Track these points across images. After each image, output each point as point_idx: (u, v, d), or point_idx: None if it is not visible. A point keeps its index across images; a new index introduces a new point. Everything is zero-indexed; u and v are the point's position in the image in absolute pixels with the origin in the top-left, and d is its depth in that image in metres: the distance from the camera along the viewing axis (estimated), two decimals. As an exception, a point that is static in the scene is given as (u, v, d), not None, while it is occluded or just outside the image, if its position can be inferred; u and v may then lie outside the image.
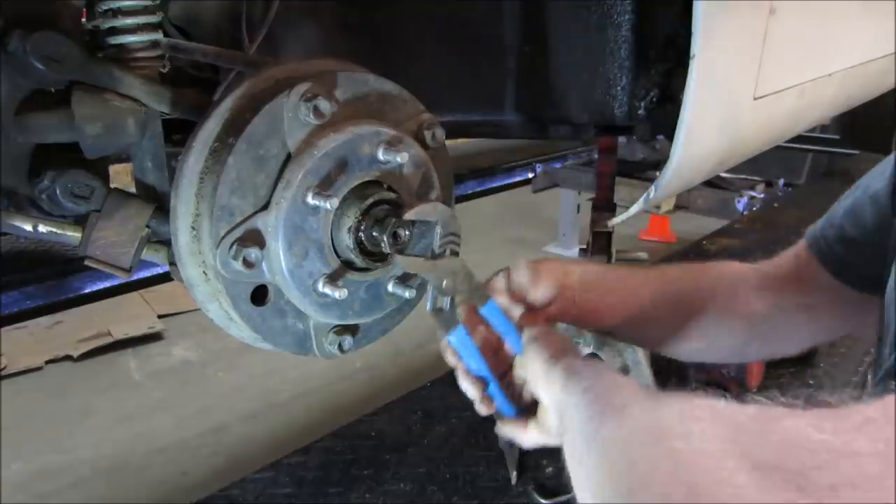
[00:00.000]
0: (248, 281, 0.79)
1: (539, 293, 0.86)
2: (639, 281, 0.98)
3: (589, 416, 0.60)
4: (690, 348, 1.03)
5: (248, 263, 0.76)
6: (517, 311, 0.84)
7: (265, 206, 0.77)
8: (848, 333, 1.05)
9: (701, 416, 0.49)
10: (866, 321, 1.05)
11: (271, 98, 0.76)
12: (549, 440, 0.79)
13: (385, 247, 0.81)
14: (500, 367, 0.84)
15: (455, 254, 0.84)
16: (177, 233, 0.79)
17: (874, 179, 0.97)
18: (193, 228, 0.78)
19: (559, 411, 0.68)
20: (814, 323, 1.05)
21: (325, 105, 0.77)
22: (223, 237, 0.76)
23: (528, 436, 0.80)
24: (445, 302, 0.83)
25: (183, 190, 0.78)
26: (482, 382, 0.82)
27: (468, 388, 0.83)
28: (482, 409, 0.83)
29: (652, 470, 0.47)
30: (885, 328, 0.85)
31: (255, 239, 0.77)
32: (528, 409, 0.81)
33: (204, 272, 0.80)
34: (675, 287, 1.00)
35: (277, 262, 0.78)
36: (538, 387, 0.74)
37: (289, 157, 0.78)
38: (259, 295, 0.81)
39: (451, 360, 0.84)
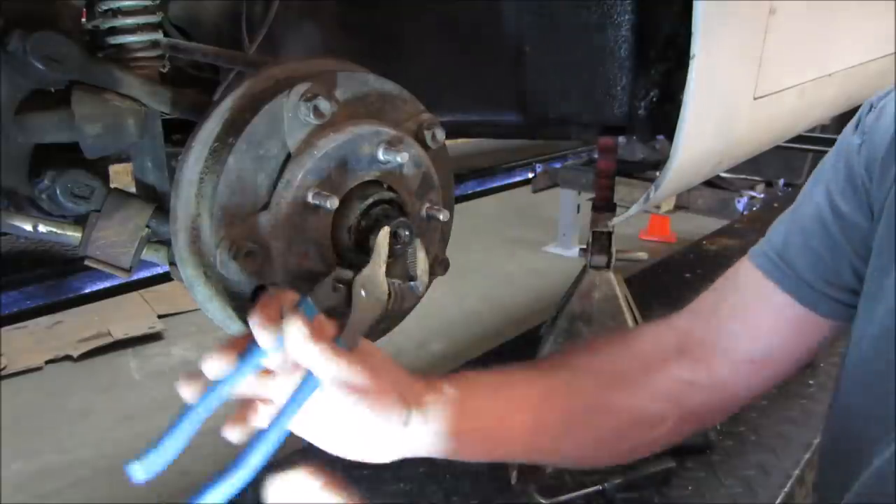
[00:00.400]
0: (248, 281, 0.79)
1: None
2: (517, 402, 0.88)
3: None
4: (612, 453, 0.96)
5: (248, 263, 0.76)
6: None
7: (265, 206, 0.78)
8: (806, 363, 0.97)
9: None
10: (823, 349, 0.95)
11: (271, 98, 0.76)
12: None
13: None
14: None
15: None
16: (177, 233, 0.79)
17: (832, 189, 0.89)
18: (193, 228, 0.78)
19: None
20: (765, 372, 0.95)
21: (325, 105, 0.77)
22: (223, 237, 0.76)
23: None
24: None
25: (183, 190, 0.78)
26: None
27: None
28: None
29: None
30: None
31: (255, 239, 0.77)
32: None
33: (204, 272, 0.80)
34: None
35: (277, 263, 0.78)
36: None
37: (289, 157, 0.78)
38: (259, 295, 0.81)
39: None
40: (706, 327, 0.96)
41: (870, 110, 0.89)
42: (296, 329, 0.66)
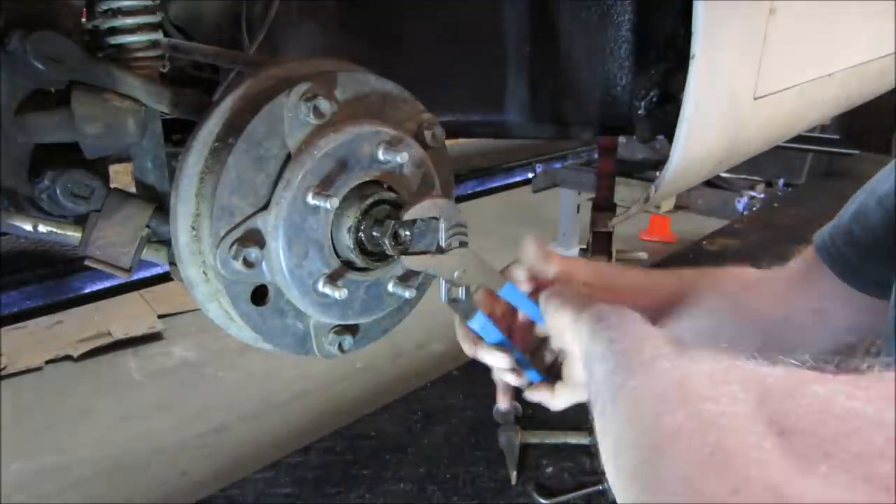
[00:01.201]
0: (248, 281, 0.79)
1: (551, 271, 0.89)
2: (654, 282, 0.99)
3: (615, 368, 0.59)
4: None
5: (248, 263, 0.76)
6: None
7: (265, 206, 0.77)
8: (861, 337, 1.04)
9: (730, 377, 0.49)
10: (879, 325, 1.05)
11: (271, 98, 0.76)
12: (578, 396, 0.81)
13: (388, 248, 0.81)
14: (523, 347, 0.88)
15: (464, 244, 0.84)
16: (177, 233, 0.79)
17: (881, 182, 0.97)
18: (193, 228, 0.78)
19: (586, 361, 0.68)
20: (826, 328, 1.04)
21: (325, 105, 0.77)
22: (223, 237, 0.76)
23: (557, 397, 0.84)
24: (460, 292, 0.85)
25: (183, 190, 0.78)
26: (509, 352, 0.85)
27: (498, 358, 0.85)
28: (512, 379, 0.86)
29: (678, 428, 0.46)
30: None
31: (255, 239, 0.77)
32: (554, 375, 0.84)
33: (204, 272, 0.80)
34: (692, 291, 1.00)
35: (277, 262, 0.78)
36: (565, 340, 0.75)
37: (289, 157, 0.78)
38: (259, 295, 0.81)
39: (468, 348, 0.86)
40: (775, 282, 1.06)
41: None
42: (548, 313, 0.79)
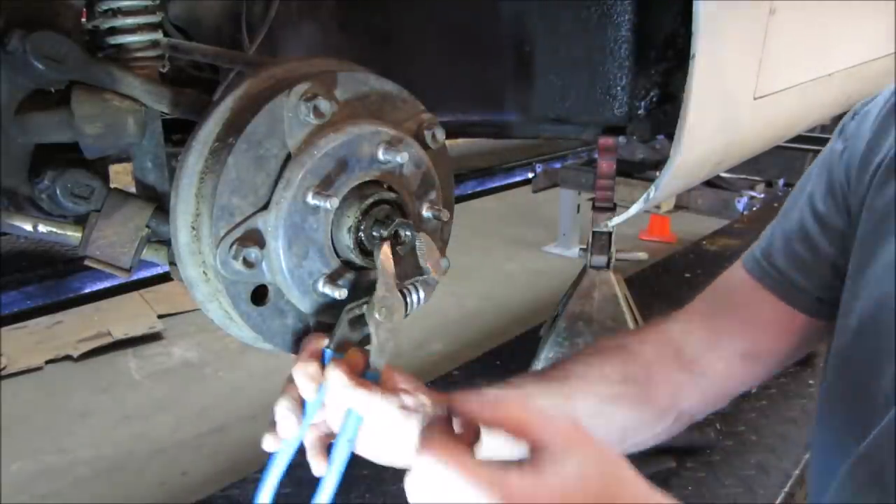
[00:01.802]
0: (248, 281, 0.79)
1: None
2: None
3: None
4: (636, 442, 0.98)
5: (247, 263, 0.76)
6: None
7: (265, 206, 0.78)
8: (796, 360, 1.02)
9: None
10: (813, 347, 1.01)
11: (271, 98, 0.76)
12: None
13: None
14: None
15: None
16: (177, 232, 0.79)
17: (814, 194, 0.93)
18: (193, 228, 0.78)
19: None
20: (756, 368, 1.00)
21: (325, 105, 0.77)
22: (223, 237, 0.76)
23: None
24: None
25: (183, 189, 0.78)
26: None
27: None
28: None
29: None
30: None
31: (255, 238, 0.77)
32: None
33: (204, 272, 0.80)
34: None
35: (277, 262, 0.78)
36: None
37: (289, 157, 0.78)
38: (259, 295, 0.81)
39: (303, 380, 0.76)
40: (702, 326, 1.00)
41: (853, 117, 0.93)
42: (332, 382, 0.74)
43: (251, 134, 0.75)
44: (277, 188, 0.77)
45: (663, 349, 0.99)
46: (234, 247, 0.76)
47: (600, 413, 0.94)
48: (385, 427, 0.76)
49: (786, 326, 0.95)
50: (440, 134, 0.89)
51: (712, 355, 0.98)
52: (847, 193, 0.88)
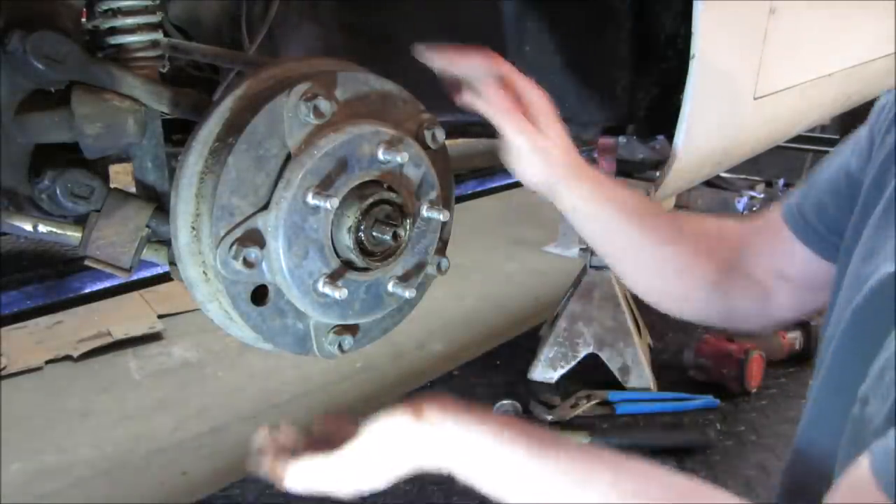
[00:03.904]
0: (248, 281, 0.79)
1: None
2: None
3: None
4: (652, 285, 1.09)
5: (248, 263, 0.76)
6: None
7: (265, 206, 0.77)
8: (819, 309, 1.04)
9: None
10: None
11: (271, 98, 0.76)
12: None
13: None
14: None
15: None
16: (177, 233, 0.79)
17: (851, 156, 0.95)
18: (193, 228, 0.78)
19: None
20: (788, 291, 1.04)
21: (325, 105, 0.77)
22: (223, 237, 0.76)
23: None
24: None
25: (183, 190, 0.78)
26: None
27: None
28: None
29: None
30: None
31: (255, 238, 0.77)
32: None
33: (204, 272, 0.80)
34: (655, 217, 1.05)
35: (277, 262, 0.78)
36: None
37: (289, 157, 0.78)
38: (259, 295, 0.81)
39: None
40: (749, 231, 1.08)
41: None
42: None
43: (251, 134, 0.75)
44: (277, 188, 0.77)
45: (733, 248, 1.07)
46: (235, 247, 0.76)
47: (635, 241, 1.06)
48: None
49: (806, 267, 1.00)
50: (440, 134, 0.89)
51: (757, 264, 1.04)
52: (872, 149, 0.91)
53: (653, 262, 1.07)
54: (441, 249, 0.95)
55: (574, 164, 1.03)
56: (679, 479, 0.71)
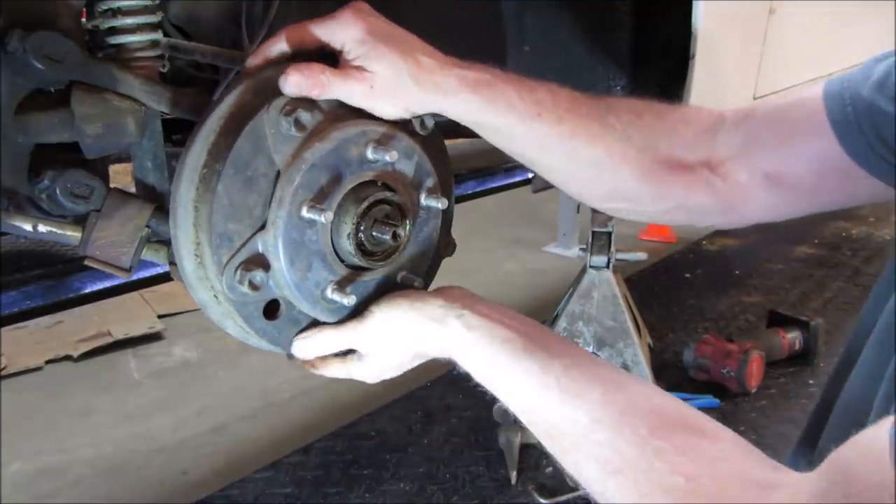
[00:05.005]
0: (258, 300, 0.79)
1: None
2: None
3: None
4: (577, 189, 0.99)
5: (253, 286, 0.76)
6: None
7: (263, 226, 0.77)
8: (817, 210, 0.92)
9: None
10: (842, 205, 0.92)
11: (252, 116, 0.75)
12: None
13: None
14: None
15: None
16: (182, 262, 0.78)
17: None
18: (197, 256, 0.77)
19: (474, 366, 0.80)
20: (775, 194, 0.90)
21: (306, 117, 0.75)
22: (226, 263, 0.75)
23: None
24: None
25: (180, 219, 0.76)
26: None
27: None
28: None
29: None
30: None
31: (258, 261, 0.77)
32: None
33: (214, 296, 0.79)
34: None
35: (283, 279, 0.78)
36: None
37: (279, 174, 0.76)
38: (271, 309, 0.81)
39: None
40: (745, 129, 0.91)
41: None
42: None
43: (237, 158, 0.74)
44: (272, 207, 0.76)
45: (702, 123, 0.93)
46: (239, 272, 0.75)
47: (598, 163, 0.91)
48: None
49: (828, 165, 0.84)
50: (429, 120, 0.87)
51: (739, 162, 0.90)
52: None
53: (570, 163, 0.94)
54: (445, 232, 0.94)
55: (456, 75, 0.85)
56: (672, 404, 0.72)
